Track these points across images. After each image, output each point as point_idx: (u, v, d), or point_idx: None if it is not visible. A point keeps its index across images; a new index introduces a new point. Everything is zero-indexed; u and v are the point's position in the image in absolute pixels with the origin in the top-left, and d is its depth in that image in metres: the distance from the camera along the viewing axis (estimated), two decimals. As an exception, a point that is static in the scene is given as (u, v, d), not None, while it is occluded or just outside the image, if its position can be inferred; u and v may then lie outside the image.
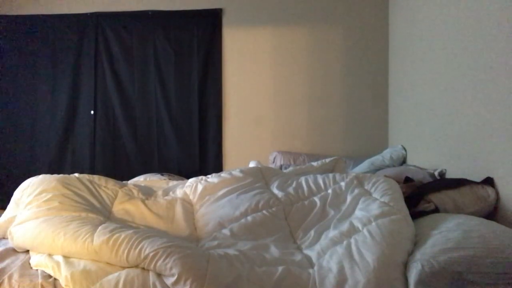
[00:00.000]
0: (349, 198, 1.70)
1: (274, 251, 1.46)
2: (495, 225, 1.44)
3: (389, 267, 1.25)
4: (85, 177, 1.89)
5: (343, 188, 1.77)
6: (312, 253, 1.45)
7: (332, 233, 1.52)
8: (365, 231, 1.42)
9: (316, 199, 1.75)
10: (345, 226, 1.51)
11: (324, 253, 1.41)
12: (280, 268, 1.31)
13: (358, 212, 1.59)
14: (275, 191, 1.85)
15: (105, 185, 1.88)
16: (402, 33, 3.17)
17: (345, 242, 1.41)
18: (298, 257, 1.44)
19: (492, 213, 1.77)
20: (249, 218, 1.66)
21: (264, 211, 1.69)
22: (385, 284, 1.21)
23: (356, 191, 1.72)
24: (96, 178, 1.91)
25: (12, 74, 3.64)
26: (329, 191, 1.78)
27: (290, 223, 1.67)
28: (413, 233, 1.44)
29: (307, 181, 1.87)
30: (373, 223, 1.44)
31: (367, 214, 1.52)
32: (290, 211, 1.71)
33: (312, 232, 1.59)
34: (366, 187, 1.76)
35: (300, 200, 1.77)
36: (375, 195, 1.68)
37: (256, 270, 1.30)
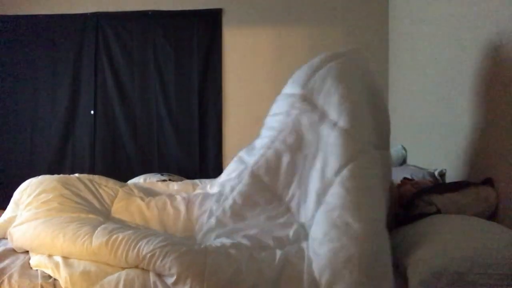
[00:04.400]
0: (309, 136, 1.57)
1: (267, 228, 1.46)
2: (496, 226, 1.44)
3: (377, 234, 1.26)
4: (85, 176, 1.89)
5: (298, 119, 1.60)
6: (304, 220, 1.46)
7: (313, 186, 1.48)
8: (338, 185, 1.37)
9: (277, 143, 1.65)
10: (317, 182, 1.45)
11: (311, 222, 1.41)
12: (278, 253, 1.31)
13: (323, 152, 1.49)
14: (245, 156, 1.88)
15: (105, 184, 1.88)
16: (402, 33, 3.17)
17: (323, 207, 1.38)
18: (292, 231, 1.43)
19: (493, 213, 1.77)
20: (234, 194, 1.64)
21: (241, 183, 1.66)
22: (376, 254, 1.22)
23: (311, 118, 1.56)
24: (96, 177, 1.91)
25: (12, 74, 3.63)
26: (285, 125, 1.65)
27: (269, 183, 1.62)
28: (387, 167, 1.43)
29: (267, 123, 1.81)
30: (344, 171, 1.38)
31: (333, 158, 1.43)
32: (258, 170, 1.65)
33: (294, 188, 1.56)
34: (319, 104, 1.57)
35: (262, 155, 1.68)
36: (332, 115, 1.52)
37: (255, 258, 1.30)
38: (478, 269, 1.19)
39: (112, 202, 1.79)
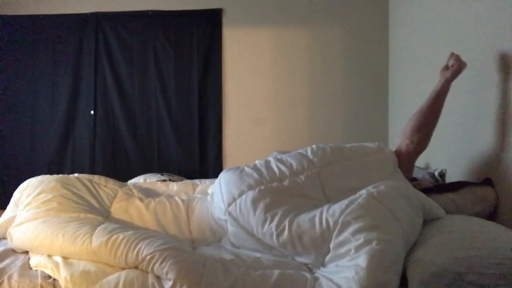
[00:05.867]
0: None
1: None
2: (495, 226, 1.44)
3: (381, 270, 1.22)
4: (85, 176, 1.88)
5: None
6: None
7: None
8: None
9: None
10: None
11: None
12: (276, 272, 1.30)
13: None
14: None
15: (105, 184, 1.87)
16: (402, 33, 3.17)
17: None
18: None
19: (492, 213, 1.77)
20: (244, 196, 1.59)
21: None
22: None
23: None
24: (96, 177, 1.90)
25: (12, 74, 3.64)
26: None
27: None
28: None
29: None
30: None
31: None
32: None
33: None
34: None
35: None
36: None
37: (251, 274, 1.29)
38: (478, 269, 1.18)
39: (111, 203, 1.79)
